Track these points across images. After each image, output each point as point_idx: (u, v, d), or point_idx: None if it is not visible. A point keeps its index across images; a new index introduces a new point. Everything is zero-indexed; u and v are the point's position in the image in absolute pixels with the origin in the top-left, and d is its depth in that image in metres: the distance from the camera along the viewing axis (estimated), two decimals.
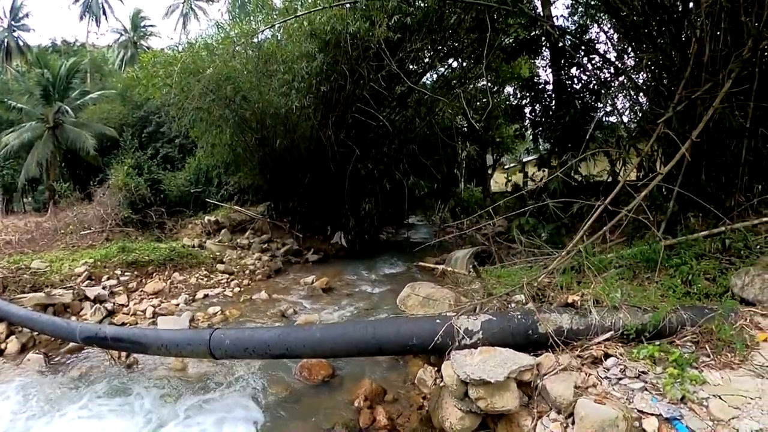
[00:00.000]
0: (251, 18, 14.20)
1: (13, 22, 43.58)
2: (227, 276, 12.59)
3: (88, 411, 5.60)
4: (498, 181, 30.71)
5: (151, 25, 51.80)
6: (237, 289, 11.73)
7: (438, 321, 4.67)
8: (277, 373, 6.29)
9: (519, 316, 4.58)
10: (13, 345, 7.91)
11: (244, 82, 13.91)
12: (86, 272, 10.88)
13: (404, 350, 4.93)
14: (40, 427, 5.34)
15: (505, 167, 32.66)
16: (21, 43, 44.01)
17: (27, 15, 44.35)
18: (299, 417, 5.20)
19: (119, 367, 6.99)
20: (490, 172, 27.78)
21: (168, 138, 24.21)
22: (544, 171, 16.38)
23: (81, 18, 48.32)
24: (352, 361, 6.29)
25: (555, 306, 4.82)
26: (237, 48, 12.86)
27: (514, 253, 8.50)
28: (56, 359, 7.56)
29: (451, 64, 16.46)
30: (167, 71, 13.81)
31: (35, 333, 8.13)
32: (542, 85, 15.83)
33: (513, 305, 5.23)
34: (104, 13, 49.47)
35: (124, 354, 7.12)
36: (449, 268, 8.96)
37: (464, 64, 16.17)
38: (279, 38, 14.08)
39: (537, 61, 17.15)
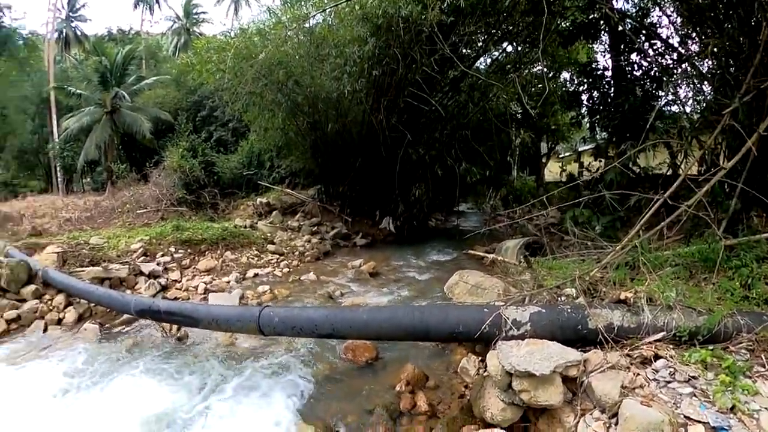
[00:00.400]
0: (303, 3, 14.23)
1: (70, 13, 45.25)
2: (277, 256, 12.85)
3: (139, 379, 5.86)
4: (552, 171, 29.97)
5: (203, 12, 53.29)
6: (286, 270, 11.98)
7: (486, 310, 4.59)
8: (323, 353, 6.38)
9: (569, 310, 4.45)
10: (71, 315, 8.38)
11: (296, 66, 14.00)
12: (142, 249, 11.38)
13: (450, 337, 4.90)
14: (95, 391, 5.64)
15: (560, 156, 31.84)
16: (78, 33, 45.71)
17: (83, 6, 45.96)
18: (342, 396, 5.26)
19: (170, 339, 7.30)
20: (544, 160, 27.18)
21: (221, 122, 24.86)
22: (600, 161, 15.85)
23: (135, 7, 49.92)
24: (396, 345, 6.29)
25: (606, 302, 4.66)
26: (289, 33, 12.95)
27: (566, 246, 8.25)
28: (111, 330, 7.98)
29: (505, 48, 16.08)
30: (220, 57, 14.05)
31: (92, 304, 8.59)
32: (600, 72, 15.24)
33: (563, 299, 5.09)
34: (157, 1, 50.91)
35: (175, 327, 7.41)
36: (499, 257, 8.81)
37: (519, 48, 15.72)
38: (330, 23, 14.08)
39: (595, 46, 16.49)
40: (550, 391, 3.81)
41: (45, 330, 7.98)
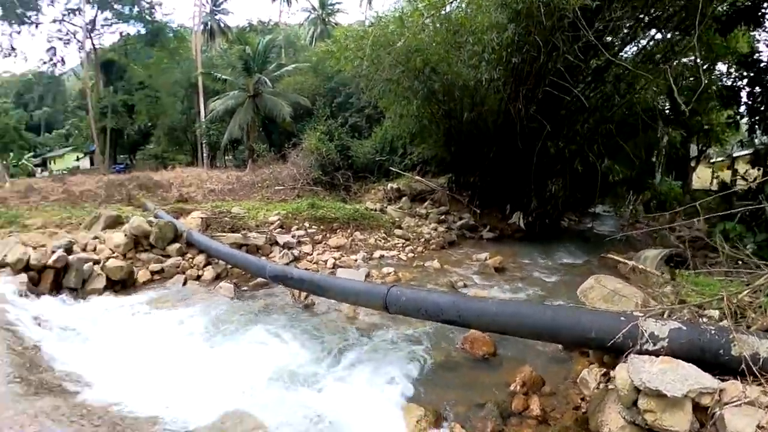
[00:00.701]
0: None
1: (214, 7, 50.17)
2: (403, 241, 13.14)
3: (264, 337, 6.39)
4: (701, 177, 27.50)
5: (338, 2, 55.30)
6: (411, 255, 12.23)
7: (623, 319, 4.25)
8: (440, 340, 6.42)
9: (712, 331, 4.02)
10: (208, 273, 9.48)
11: (433, 54, 13.92)
12: (278, 221, 12.47)
13: (581, 342, 4.66)
14: (230, 340, 6.35)
15: (711, 161, 29.14)
16: (222, 25, 50.80)
17: (225, 0, 51.30)
18: (454, 386, 5.26)
19: (298, 305, 7.90)
20: (693, 164, 24.91)
21: (356, 108, 25.69)
22: (759, 169, 14.19)
23: (273, 0, 52.78)
24: (515, 344, 6.10)
25: (754, 329, 4.16)
26: (426, 20, 12.93)
27: (711, 263, 7.53)
28: (244, 290, 8.86)
29: (653, 35, 14.67)
30: (359, 44, 14.38)
31: (229, 266, 9.56)
32: (764, 64, 13.54)
33: (705, 319, 4.65)
34: None
35: (303, 295, 7.95)
36: (640, 266, 8.25)
37: (669, 36, 14.25)
38: (467, 9, 13.83)
39: (758, 34, 14.66)
40: (677, 417, 3.51)
41: (184, 283, 9.12)
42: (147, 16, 40.89)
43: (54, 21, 39.83)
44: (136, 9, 40.11)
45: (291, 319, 7.20)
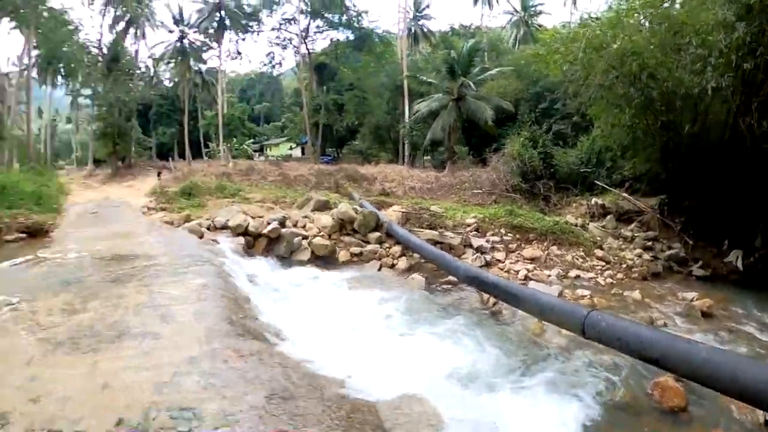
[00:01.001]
0: None
1: (417, 13, 51.61)
2: (602, 264, 12.06)
3: (448, 333, 6.56)
4: None
5: (540, 3, 53.10)
6: (609, 280, 11.12)
7: None
8: (630, 378, 5.87)
9: None
10: (402, 263, 10.12)
11: (650, 57, 12.74)
12: (475, 224, 12.50)
13: None
14: (411, 328, 6.70)
15: None
16: (425, 30, 52.25)
17: (427, 6, 52.17)
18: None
19: (485, 310, 7.90)
20: None
21: (561, 115, 24.54)
22: None
23: (474, 3, 53.03)
24: (711, 403, 5.36)
25: None
26: (642, 20, 11.97)
27: None
28: (433, 285, 9.15)
29: None
30: (568, 48, 13.74)
31: (422, 260, 9.99)
32: None
33: None
34: None
35: (492, 301, 7.92)
36: None
37: None
38: (688, 5, 12.45)
39: None
40: None
41: (379, 269, 9.99)
42: (355, 24, 45.01)
43: (273, 29, 46.69)
44: (345, 17, 44.59)
45: (476, 323, 7.21)
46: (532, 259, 11.39)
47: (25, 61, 33.29)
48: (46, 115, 54.38)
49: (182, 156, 45.35)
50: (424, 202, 13.93)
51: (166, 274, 6.72)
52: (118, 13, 38.88)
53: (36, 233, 11.30)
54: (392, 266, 10.08)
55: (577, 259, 11.92)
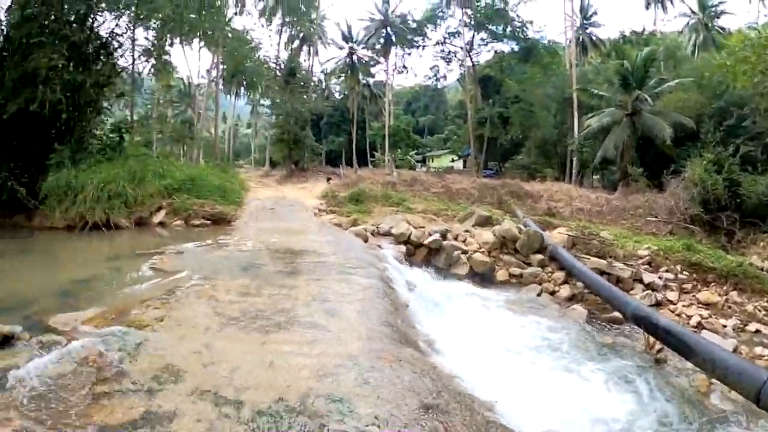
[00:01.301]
0: None
1: (584, 21, 47.87)
2: None
3: (600, 374, 6.12)
4: None
5: (721, 2, 46.13)
6: None
7: None
8: None
9: None
10: (564, 291, 9.59)
11: None
12: (648, 257, 11.22)
13: None
14: (562, 363, 6.37)
15: None
16: (593, 38, 48.46)
17: (595, 13, 48.36)
18: None
19: (648, 356, 7.11)
20: None
21: (751, 134, 21.49)
22: None
23: (647, 7, 48.14)
24: None
25: None
26: None
27: None
28: (594, 319, 8.50)
29: None
30: (760, 56, 12.00)
31: (586, 290, 9.31)
32: None
33: None
34: None
35: (657, 346, 7.09)
36: None
37: None
38: None
39: None
40: None
41: (539, 294, 9.48)
42: (519, 35, 44.54)
43: (437, 43, 48.68)
44: (509, 28, 44.41)
45: (637, 368, 6.59)
46: (708, 304, 9.87)
47: (213, 74, 38.59)
48: (230, 120, 62.49)
49: (349, 163, 48.59)
50: (593, 227, 13.05)
51: (334, 272, 7.01)
52: (293, 33, 45.23)
53: (219, 221, 12.61)
54: (553, 293, 9.62)
55: (760, 310, 10.11)
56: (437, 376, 4.09)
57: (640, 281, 10.15)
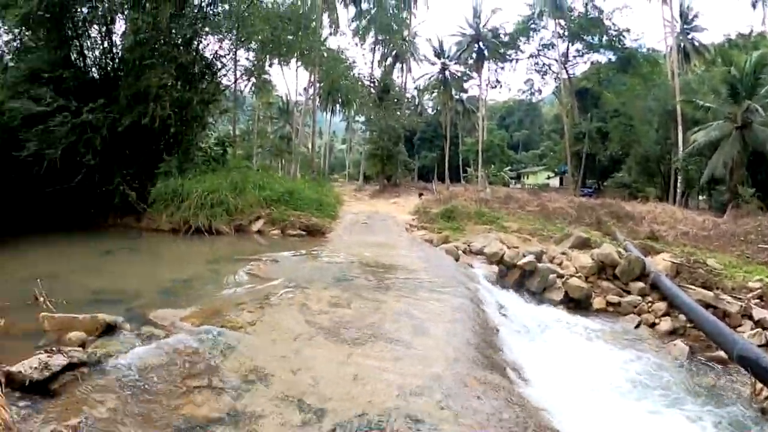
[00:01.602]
0: None
1: (685, 26, 44.26)
2: None
3: (699, 422, 5.58)
4: None
5: None
6: None
7: None
8: None
9: None
10: (665, 324, 8.82)
11: None
12: (759, 290, 9.95)
13: None
14: (659, 406, 5.84)
15: None
16: (696, 44, 44.93)
17: (696, 16, 44.75)
18: None
19: (754, 405, 6.29)
20: None
21: None
22: None
23: (753, 6, 42.94)
24: None
25: None
26: None
27: None
28: (695, 358, 7.76)
29: None
30: None
31: (690, 324, 8.53)
32: None
33: None
34: None
35: (765, 393, 6.30)
36: None
37: None
38: None
39: None
40: None
41: (637, 326, 8.80)
42: (616, 44, 43.25)
43: (531, 56, 48.59)
44: (605, 38, 43.19)
45: (732, 418, 5.83)
46: None
47: (310, 92, 39.93)
48: (326, 136, 65.03)
49: (441, 179, 48.79)
50: (699, 253, 12.12)
51: (424, 289, 7.00)
52: (385, 51, 46.84)
53: (314, 233, 12.95)
54: (652, 325, 8.93)
55: None
56: (524, 406, 3.97)
57: (750, 317, 9.01)
